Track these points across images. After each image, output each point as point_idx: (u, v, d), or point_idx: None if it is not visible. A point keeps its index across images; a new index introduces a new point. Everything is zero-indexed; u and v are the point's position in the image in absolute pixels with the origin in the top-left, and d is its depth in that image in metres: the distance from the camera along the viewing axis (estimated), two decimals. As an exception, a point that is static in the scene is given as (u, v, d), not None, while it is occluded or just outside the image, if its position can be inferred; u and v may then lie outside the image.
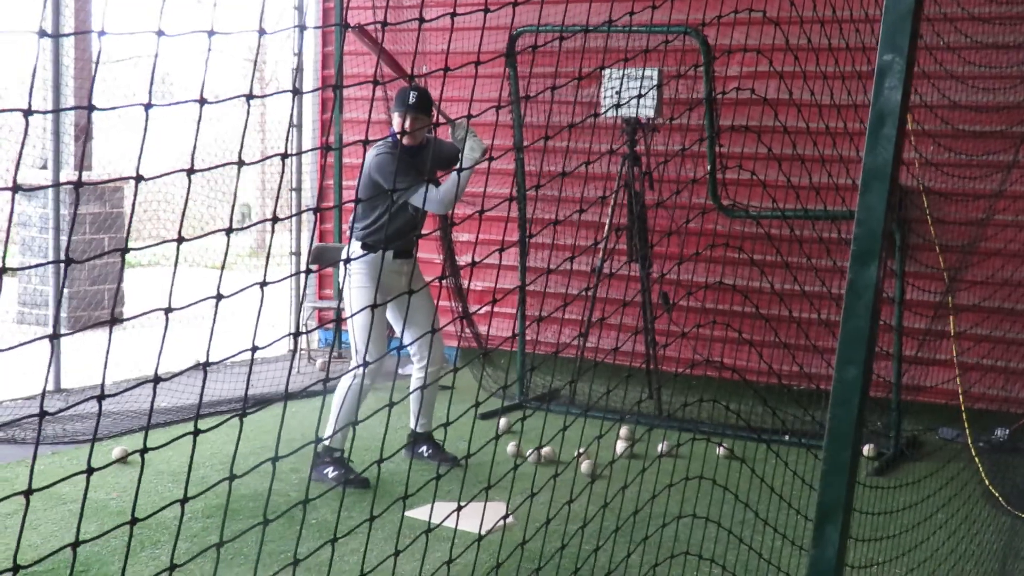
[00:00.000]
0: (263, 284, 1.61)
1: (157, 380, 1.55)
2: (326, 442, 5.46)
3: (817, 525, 2.23)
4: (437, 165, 5.65)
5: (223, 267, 1.62)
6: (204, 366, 1.60)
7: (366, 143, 1.82)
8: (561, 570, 3.96)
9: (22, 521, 1.49)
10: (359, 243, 5.45)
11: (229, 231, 1.57)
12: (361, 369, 5.23)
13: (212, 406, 6.89)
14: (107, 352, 1.54)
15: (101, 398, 1.50)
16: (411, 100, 5.36)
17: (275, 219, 1.60)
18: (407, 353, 6.63)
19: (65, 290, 8.46)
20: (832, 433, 2.24)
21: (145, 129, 1.61)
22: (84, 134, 9.31)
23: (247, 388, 1.65)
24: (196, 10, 14.52)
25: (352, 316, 5.33)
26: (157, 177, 1.59)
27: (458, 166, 5.41)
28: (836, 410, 2.24)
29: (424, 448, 5.82)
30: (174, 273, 1.60)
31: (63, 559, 4.31)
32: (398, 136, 5.47)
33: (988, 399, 6.55)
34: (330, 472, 5.46)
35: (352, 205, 6.62)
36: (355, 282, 5.47)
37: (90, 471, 1.52)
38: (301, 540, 4.66)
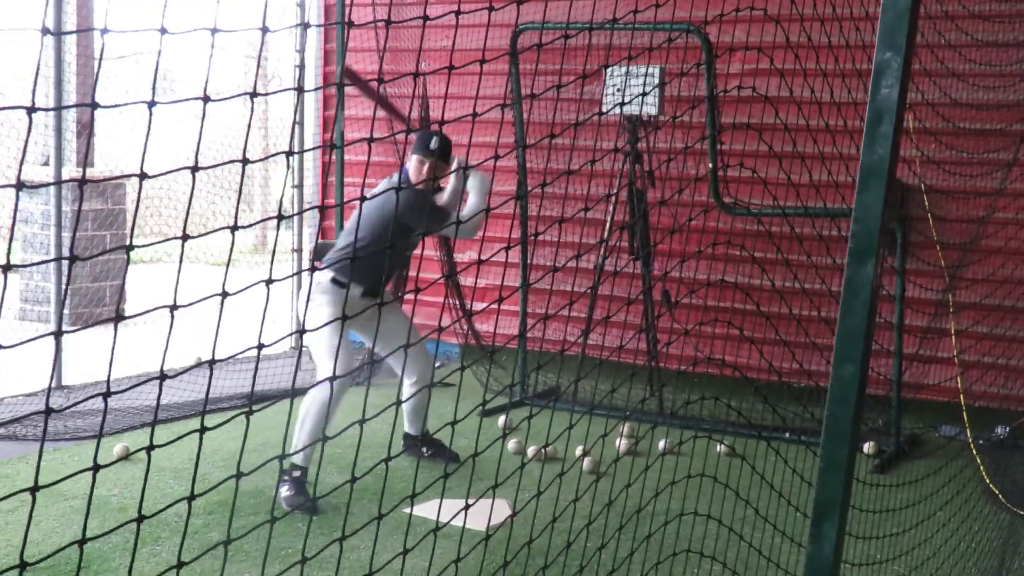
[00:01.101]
0: (268, 282, 1.62)
1: (163, 377, 1.56)
2: (292, 459, 5.10)
3: (814, 522, 2.24)
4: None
5: (228, 264, 1.63)
6: (210, 364, 1.61)
7: (371, 141, 1.83)
8: (566, 568, 3.96)
9: (29, 517, 1.49)
10: (330, 276, 5.17)
11: (234, 228, 1.58)
12: (328, 384, 4.74)
13: (214, 402, 6.89)
14: (112, 349, 1.55)
15: (107, 395, 1.51)
16: (433, 146, 5.24)
17: (280, 216, 1.61)
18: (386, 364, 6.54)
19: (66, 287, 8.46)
20: (829, 431, 2.25)
21: (149, 127, 1.62)
22: (87, 131, 9.32)
23: (253, 385, 1.66)
24: (196, 7, 14.53)
25: (314, 330, 4.99)
26: (162, 175, 1.60)
27: (468, 189, 5.41)
28: (833, 408, 2.24)
29: (425, 448, 5.82)
30: (179, 270, 1.61)
31: (65, 555, 4.32)
32: (411, 179, 5.27)
33: (988, 397, 6.56)
34: (284, 491, 5.08)
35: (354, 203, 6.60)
36: (316, 301, 5.15)
37: (96, 468, 1.53)
38: (301, 536, 4.67)
